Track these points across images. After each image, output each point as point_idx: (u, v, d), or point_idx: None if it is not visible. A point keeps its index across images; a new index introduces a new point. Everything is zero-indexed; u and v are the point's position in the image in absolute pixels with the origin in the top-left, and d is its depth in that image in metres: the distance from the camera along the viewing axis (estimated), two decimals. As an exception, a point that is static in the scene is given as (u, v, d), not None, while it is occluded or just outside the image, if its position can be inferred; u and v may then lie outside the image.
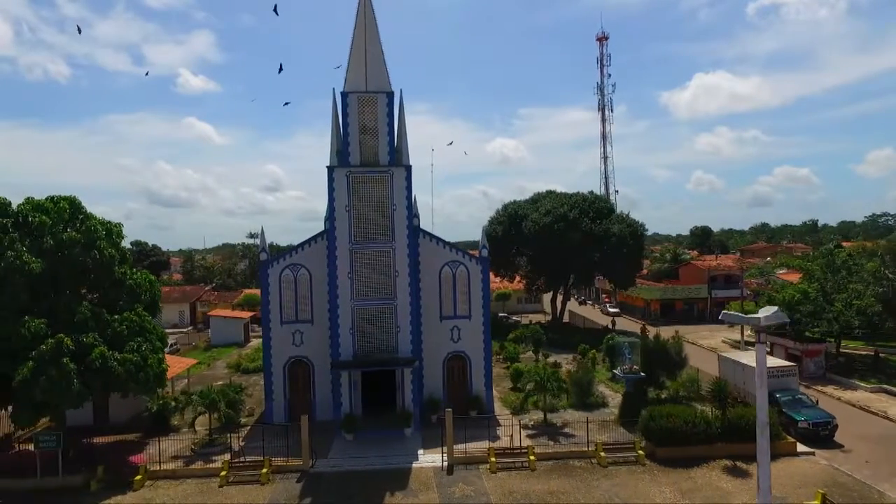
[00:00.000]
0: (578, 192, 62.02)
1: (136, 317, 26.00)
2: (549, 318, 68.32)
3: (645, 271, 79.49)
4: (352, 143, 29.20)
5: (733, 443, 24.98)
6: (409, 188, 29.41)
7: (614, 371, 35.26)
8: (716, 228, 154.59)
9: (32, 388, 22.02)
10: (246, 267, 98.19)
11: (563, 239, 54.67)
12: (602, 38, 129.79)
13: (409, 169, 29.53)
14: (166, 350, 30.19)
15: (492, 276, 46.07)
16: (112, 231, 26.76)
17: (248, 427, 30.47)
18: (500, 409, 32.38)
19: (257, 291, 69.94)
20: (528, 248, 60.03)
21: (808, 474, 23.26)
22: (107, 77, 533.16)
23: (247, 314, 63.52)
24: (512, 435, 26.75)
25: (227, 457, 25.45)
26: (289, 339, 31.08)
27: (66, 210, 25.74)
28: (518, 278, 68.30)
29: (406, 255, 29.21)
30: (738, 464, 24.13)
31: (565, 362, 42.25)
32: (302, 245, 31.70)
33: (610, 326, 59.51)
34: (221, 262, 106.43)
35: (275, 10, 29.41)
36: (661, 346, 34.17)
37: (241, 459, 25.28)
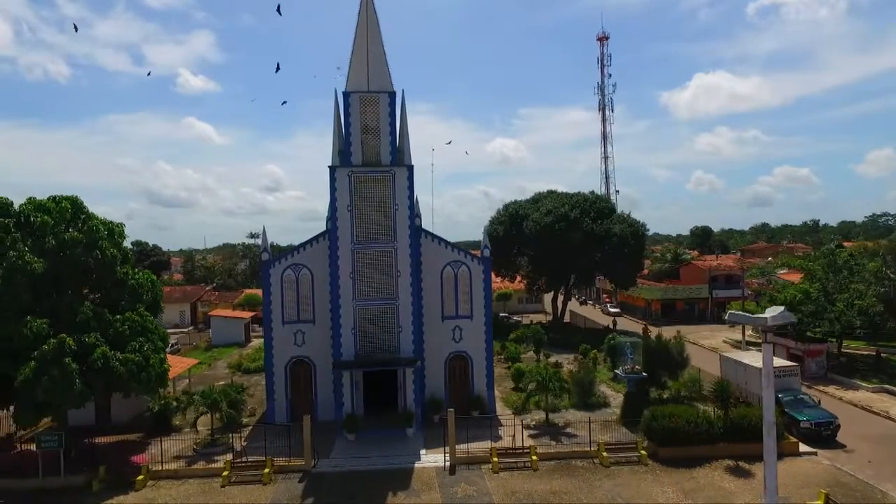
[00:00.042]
0: (579, 192, 62.01)
1: (137, 317, 25.98)
2: (549, 318, 68.30)
3: (646, 271, 79.47)
4: (354, 142, 29.19)
5: (736, 443, 25.00)
6: (410, 188, 29.39)
7: (616, 371, 35.28)
8: (716, 228, 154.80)
9: (34, 388, 22.02)
10: (246, 267, 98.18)
11: (565, 239, 54.64)
12: (602, 38, 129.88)
13: (410, 169, 29.52)
14: (167, 350, 30.18)
15: (493, 276, 46.05)
16: (114, 231, 26.74)
17: (250, 427, 30.46)
18: (501, 409, 32.36)
19: (258, 291, 69.96)
20: (529, 248, 60.02)
21: (811, 474, 23.24)
22: (107, 77, 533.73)
23: (247, 314, 63.52)
24: (514, 435, 26.75)
25: (229, 457, 25.45)
26: (290, 339, 31.07)
27: (68, 210, 25.72)
28: (519, 278, 68.27)
29: (408, 255, 29.19)
30: (741, 464, 24.12)
31: (566, 362, 42.24)
32: (304, 245, 31.69)
33: (611, 326, 59.51)
34: (222, 262, 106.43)
35: (278, 10, 29.47)
36: (662, 346, 34.16)
37: (243, 459, 25.28)
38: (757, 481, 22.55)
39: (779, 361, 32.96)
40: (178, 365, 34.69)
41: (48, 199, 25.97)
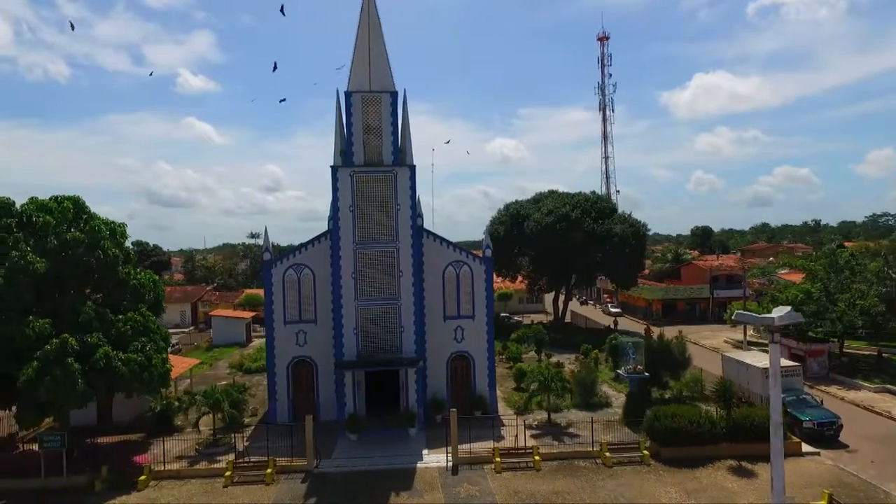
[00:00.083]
0: (580, 192, 62.00)
1: (140, 317, 25.97)
2: (550, 318, 68.28)
3: (646, 271, 79.46)
4: (355, 142, 29.17)
5: (738, 443, 24.98)
6: (412, 188, 29.36)
7: (618, 371, 35.26)
8: (716, 228, 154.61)
9: (37, 388, 22.00)
10: (247, 267, 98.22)
11: (566, 239, 54.64)
12: (603, 38, 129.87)
13: (412, 169, 29.50)
14: (169, 350, 30.16)
15: (494, 275, 46.07)
16: (116, 231, 26.73)
17: (252, 427, 30.45)
18: (503, 409, 32.34)
19: (259, 291, 70.06)
20: (530, 248, 60.01)
21: (814, 474, 23.22)
22: (107, 77, 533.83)
23: (248, 314, 63.54)
24: (516, 435, 26.71)
25: (232, 457, 25.42)
26: (292, 339, 31.05)
27: (70, 210, 25.70)
28: (520, 278, 68.25)
29: (410, 254, 29.17)
30: (744, 464, 24.11)
31: (568, 362, 42.24)
32: (305, 245, 31.67)
33: (612, 326, 59.48)
34: (222, 262, 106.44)
35: (281, 10, 29.47)
36: (664, 346, 34.16)
37: (246, 460, 25.26)
38: (760, 481, 22.57)
39: (781, 361, 32.94)
40: (179, 365, 34.66)
41: (50, 199, 25.96)
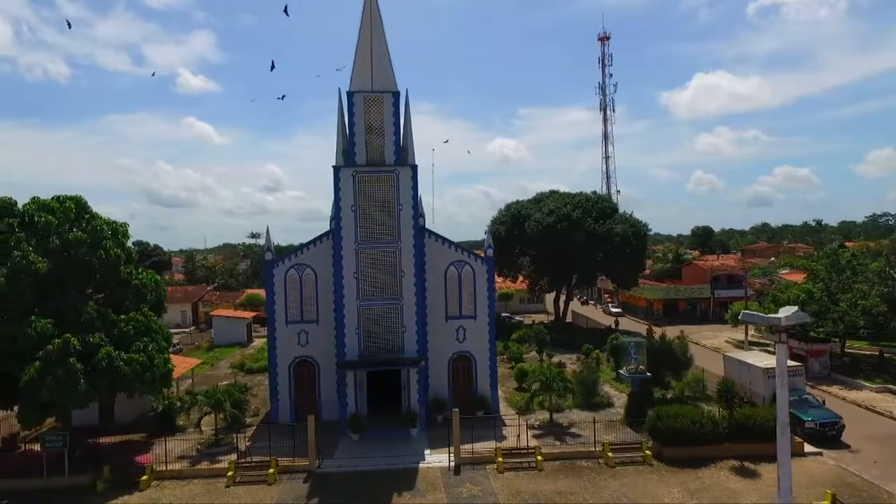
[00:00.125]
0: (582, 192, 62.00)
1: (141, 317, 25.95)
2: (551, 318, 68.26)
3: (647, 271, 79.47)
4: (357, 142, 29.15)
5: (741, 443, 24.97)
6: (414, 188, 29.35)
7: (619, 371, 35.25)
8: (716, 228, 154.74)
9: (39, 388, 21.99)
10: (247, 267, 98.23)
11: (567, 239, 54.62)
12: (604, 38, 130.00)
13: (414, 168, 29.48)
14: (170, 350, 30.13)
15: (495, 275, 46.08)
16: (118, 231, 26.71)
17: (254, 427, 30.43)
18: (505, 409, 32.33)
19: (259, 291, 70.14)
20: (531, 248, 60.02)
21: (817, 474, 23.19)
22: (107, 77, 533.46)
23: (249, 314, 63.53)
24: (519, 435, 26.72)
25: (233, 457, 25.39)
26: (294, 339, 31.04)
27: (72, 210, 25.67)
28: (521, 278, 68.22)
29: (412, 254, 29.16)
30: (746, 464, 24.09)
31: (569, 362, 42.22)
32: (307, 245, 31.66)
33: (613, 326, 59.45)
34: (223, 262, 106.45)
35: (285, 10, 29.39)
36: (666, 346, 34.16)
37: (248, 460, 25.24)
38: (762, 482, 22.56)
39: (783, 361, 32.93)
40: (181, 365, 34.67)
41: (52, 198, 25.93)
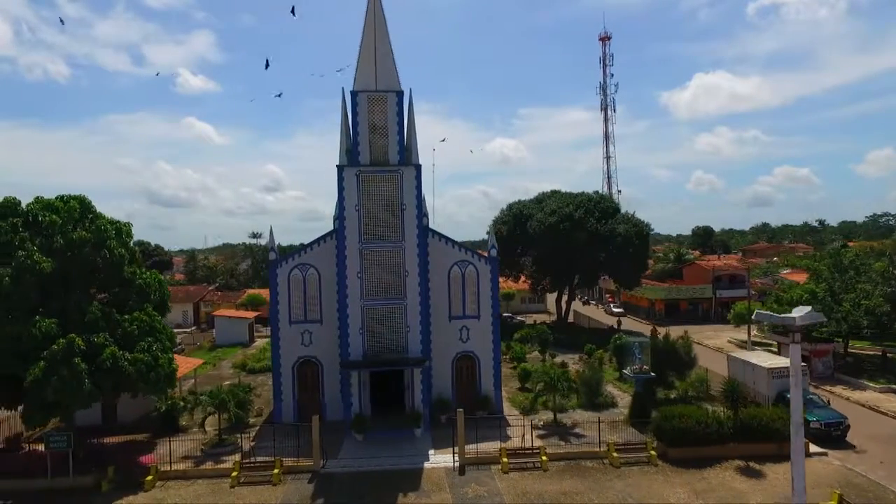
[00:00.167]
0: (584, 192, 62.01)
1: (146, 317, 25.89)
2: (553, 318, 68.22)
3: (648, 271, 79.44)
4: (361, 142, 29.11)
5: (746, 443, 24.92)
6: (418, 187, 29.31)
7: (623, 371, 35.19)
8: (716, 228, 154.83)
9: (44, 388, 21.91)
10: (248, 267, 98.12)
11: (569, 239, 54.59)
12: (605, 38, 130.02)
13: (418, 168, 29.44)
14: (173, 350, 30.08)
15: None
16: (122, 231, 26.65)
17: (258, 427, 30.38)
18: (508, 410, 32.27)
19: (261, 291, 70.11)
20: (533, 248, 59.97)
21: (822, 475, 23.13)
22: (107, 77, 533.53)
23: (251, 314, 63.44)
24: (523, 435, 26.67)
25: (237, 457, 25.35)
26: (298, 339, 30.98)
27: (76, 209, 25.62)
28: (523, 278, 68.17)
29: (416, 254, 29.11)
30: (752, 464, 24.06)
31: (572, 362, 42.19)
32: (311, 244, 31.61)
33: (615, 326, 59.41)
34: (223, 262, 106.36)
35: (292, 11, 29.49)
36: (670, 346, 34.14)
37: (252, 460, 25.17)
38: (768, 482, 22.54)
39: (785, 361, 32.85)
40: (184, 365, 34.57)
41: (56, 198, 25.88)
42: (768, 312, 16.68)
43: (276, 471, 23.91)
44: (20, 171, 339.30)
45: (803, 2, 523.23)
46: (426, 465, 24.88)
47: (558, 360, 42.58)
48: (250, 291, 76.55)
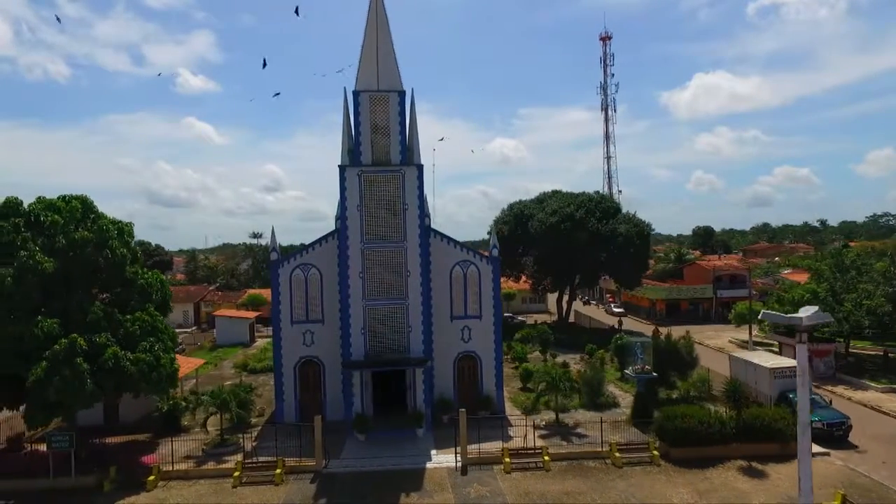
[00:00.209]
0: (584, 192, 62.00)
1: (148, 317, 25.92)
2: (554, 318, 68.22)
3: (649, 271, 79.47)
4: (363, 142, 29.09)
5: (748, 443, 24.92)
6: (420, 187, 29.29)
7: (625, 371, 35.20)
8: (716, 228, 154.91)
9: (46, 388, 21.91)
10: (249, 267, 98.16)
11: (570, 239, 54.59)
12: (605, 38, 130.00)
13: (420, 168, 29.42)
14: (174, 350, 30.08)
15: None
16: (123, 230, 26.66)
17: (259, 427, 30.38)
18: (510, 410, 32.27)
19: (262, 291, 70.13)
20: (534, 248, 59.95)
21: (825, 475, 23.09)
22: (107, 77, 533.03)
23: (252, 314, 63.43)
24: (525, 435, 26.67)
25: (239, 457, 25.34)
26: (299, 339, 30.95)
27: (78, 209, 25.62)
28: (524, 278, 68.16)
29: (418, 254, 29.09)
30: (754, 464, 24.05)
31: (573, 362, 42.18)
32: (312, 245, 31.59)
33: (616, 327, 59.41)
34: (224, 261, 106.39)
35: (296, 11, 29.39)
36: (672, 346, 34.12)
37: (254, 460, 25.17)
38: (771, 482, 22.53)
39: (789, 361, 32.88)
40: (185, 365, 34.55)
41: (58, 198, 25.88)
42: (775, 312, 16.69)
43: (278, 471, 23.91)
44: (20, 171, 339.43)
45: (803, 2, 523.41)
46: (428, 465, 24.87)
47: (559, 360, 42.57)
48: (251, 291, 76.57)
